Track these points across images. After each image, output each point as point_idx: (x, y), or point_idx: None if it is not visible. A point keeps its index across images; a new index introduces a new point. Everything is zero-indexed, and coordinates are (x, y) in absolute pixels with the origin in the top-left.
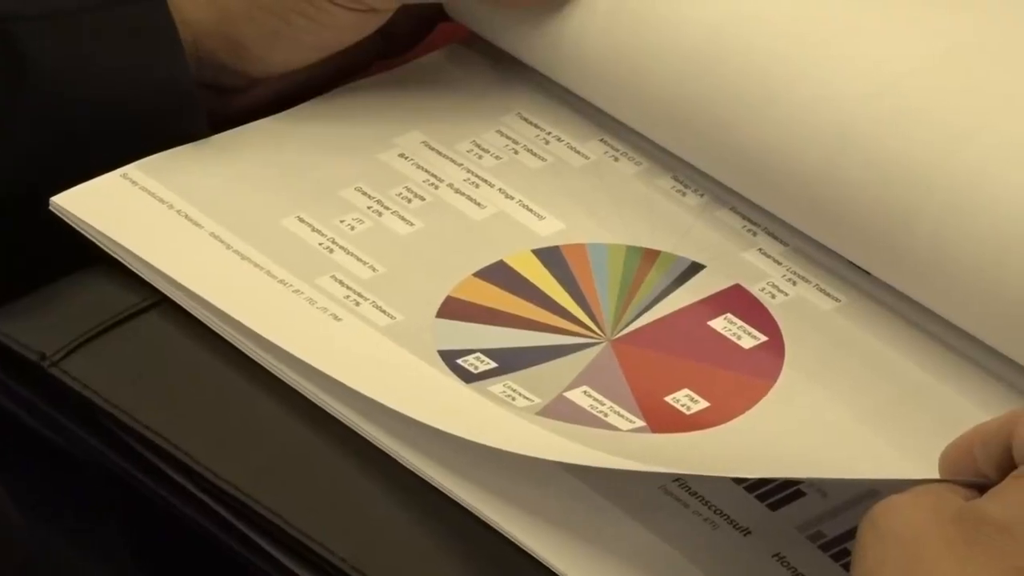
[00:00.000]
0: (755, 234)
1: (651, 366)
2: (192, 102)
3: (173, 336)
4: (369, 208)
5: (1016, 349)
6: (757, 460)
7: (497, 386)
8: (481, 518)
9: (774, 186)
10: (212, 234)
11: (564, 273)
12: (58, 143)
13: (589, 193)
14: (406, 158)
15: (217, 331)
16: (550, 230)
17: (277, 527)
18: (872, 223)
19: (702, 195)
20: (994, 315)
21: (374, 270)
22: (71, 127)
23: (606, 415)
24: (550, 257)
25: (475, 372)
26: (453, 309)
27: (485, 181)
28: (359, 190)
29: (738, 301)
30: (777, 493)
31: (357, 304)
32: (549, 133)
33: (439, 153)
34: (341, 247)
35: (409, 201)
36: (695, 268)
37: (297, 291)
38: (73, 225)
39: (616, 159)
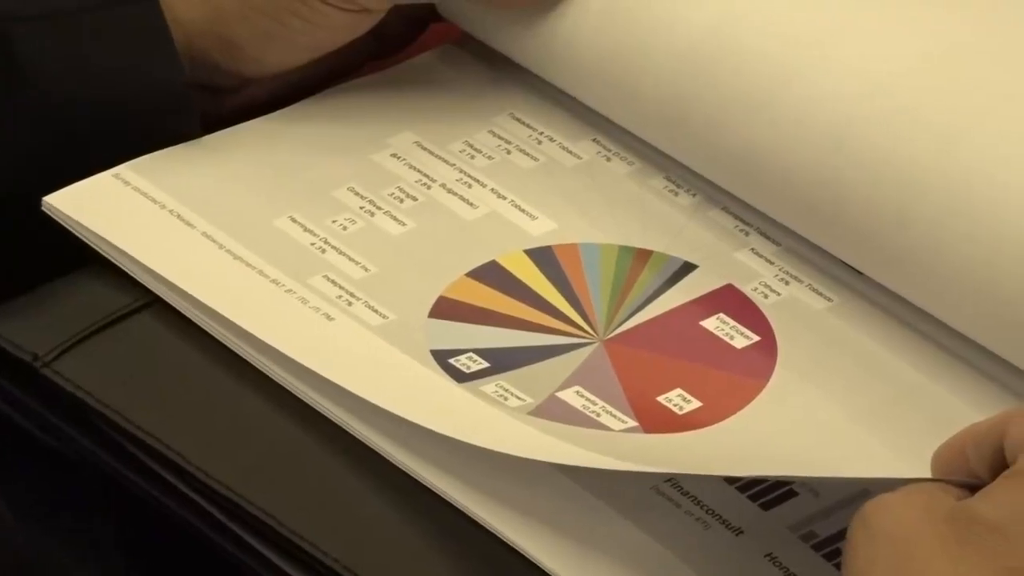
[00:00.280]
0: (747, 234)
1: (643, 366)
2: (186, 102)
3: (165, 337)
4: (361, 208)
5: (1009, 349)
6: (750, 460)
7: (489, 386)
8: (473, 517)
9: (767, 186)
10: (204, 234)
11: (556, 273)
12: (54, 143)
13: (581, 193)
14: (398, 158)
15: (209, 331)
16: (542, 230)
17: (269, 527)
18: (865, 223)
19: (694, 195)
20: (987, 315)
21: (366, 270)
22: (67, 127)
23: (598, 415)
24: (542, 257)
25: (467, 372)
26: (445, 309)
27: (477, 181)
28: (351, 190)
29: (730, 301)
30: (769, 493)
31: (349, 304)
32: (541, 133)
33: (431, 153)
34: (333, 247)
35: (401, 201)
36: (687, 268)
37: (289, 291)
38: (65, 225)
39: (608, 159)
